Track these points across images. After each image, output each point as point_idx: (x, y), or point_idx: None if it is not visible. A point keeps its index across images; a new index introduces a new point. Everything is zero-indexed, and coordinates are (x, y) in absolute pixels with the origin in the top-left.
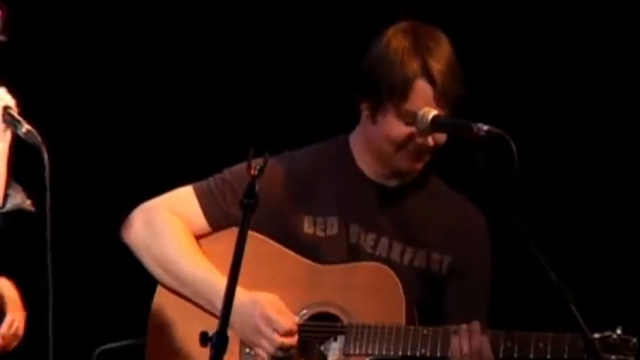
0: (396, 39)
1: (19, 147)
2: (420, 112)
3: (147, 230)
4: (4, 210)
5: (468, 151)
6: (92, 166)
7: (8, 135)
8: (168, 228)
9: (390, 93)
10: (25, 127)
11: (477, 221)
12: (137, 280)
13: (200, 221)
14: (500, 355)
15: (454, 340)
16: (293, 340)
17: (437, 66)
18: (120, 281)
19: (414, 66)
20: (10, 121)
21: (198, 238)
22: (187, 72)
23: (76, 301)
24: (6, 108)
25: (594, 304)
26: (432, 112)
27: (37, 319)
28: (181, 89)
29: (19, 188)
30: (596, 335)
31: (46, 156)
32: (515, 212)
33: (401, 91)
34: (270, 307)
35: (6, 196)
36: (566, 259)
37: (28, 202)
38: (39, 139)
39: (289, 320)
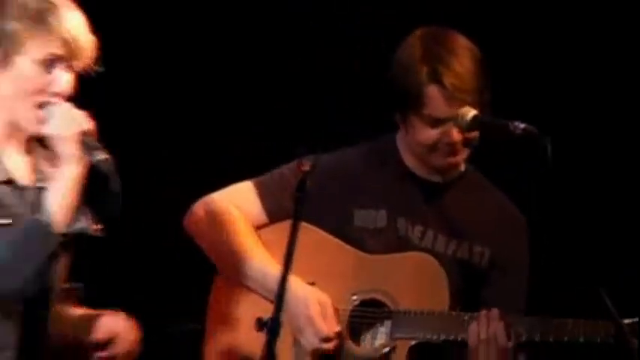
0: (409, 48)
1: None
2: (460, 112)
3: (209, 221)
4: (70, 231)
5: (504, 149)
6: (159, 162)
7: (85, 160)
8: (229, 219)
9: (408, 102)
10: (102, 155)
11: (517, 219)
12: (198, 268)
13: (258, 213)
14: (538, 339)
15: (472, 326)
16: (329, 346)
17: (446, 71)
18: (181, 269)
19: (423, 73)
20: (87, 148)
21: (257, 228)
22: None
23: (144, 291)
24: (84, 133)
25: (617, 292)
26: (472, 112)
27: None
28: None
29: (88, 213)
30: (626, 321)
31: (115, 188)
32: (549, 205)
33: (416, 99)
34: (316, 310)
35: (74, 220)
36: (593, 249)
37: (95, 227)
38: (112, 169)
39: (331, 327)
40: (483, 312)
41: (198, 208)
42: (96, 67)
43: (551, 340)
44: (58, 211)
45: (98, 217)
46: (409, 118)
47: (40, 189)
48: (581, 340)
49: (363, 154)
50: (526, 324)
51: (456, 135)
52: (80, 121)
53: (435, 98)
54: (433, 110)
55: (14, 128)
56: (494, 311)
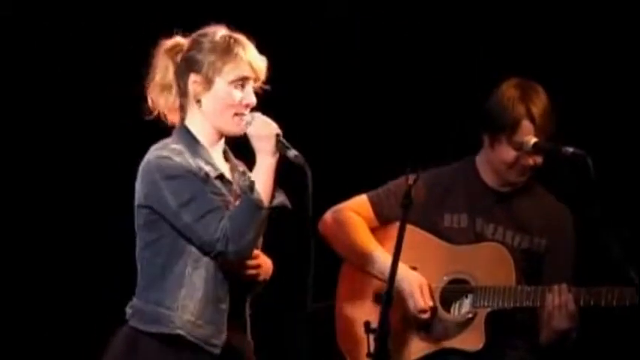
0: (508, 90)
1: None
2: (525, 139)
3: (337, 225)
4: (273, 205)
5: (557, 168)
6: None
7: (277, 155)
8: (352, 222)
9: (504, 129)
10: (293, 151)
11: (565, 214)
12: (327, 260)
13: (372, 218)
14: (581, 304)
15: (548, 296)
16: (425, 316)
17: (536, 111)
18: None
19: (520, 111)
20: (281, 147)
21: (371, 229)
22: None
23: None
24: (278, 135)
25: None
26: (533, 140)
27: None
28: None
29: (282, 192)
30: None
31: (309, 176)
32: (592, 206)
33: (511, 128)
34: (416, 289)
35: (274, 196)
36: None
37: (288, 202)
38: (303, 161)
39: (426, 302)
40: (556, 286)
41: (327, 216)
42: (265, 85)
43: (591, 304)
44: (262, 192)
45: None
46: (499, 140)
47: (244, 180)
48: (614, 304)
49: (451, 172)
50: (584, 293)
51: (530, 160)
52: (274, 125)
53: (526, 129)
54: (521, 138)
55: (219, 135)
56: (564, 285)
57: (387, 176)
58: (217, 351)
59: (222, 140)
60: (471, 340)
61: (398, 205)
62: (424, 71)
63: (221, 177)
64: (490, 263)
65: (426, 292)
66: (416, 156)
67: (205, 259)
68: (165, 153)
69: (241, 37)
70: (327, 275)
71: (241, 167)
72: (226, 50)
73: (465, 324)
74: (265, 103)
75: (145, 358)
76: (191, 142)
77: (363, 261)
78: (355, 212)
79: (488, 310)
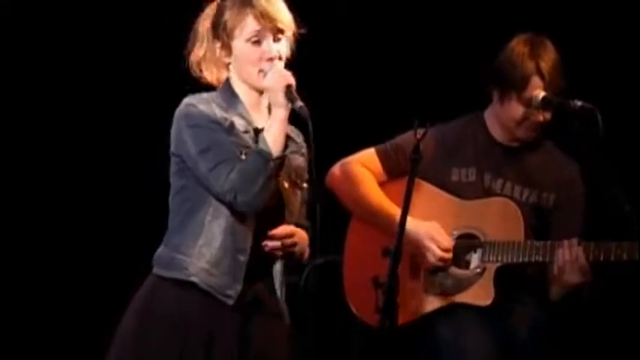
0: (518, 47)
1: None
2: (534, 94)
3: (345, 178)
4: (285, 153)
5: (566, 121)
6: None
7: (289, 106)
8: (360, 176)
9: (514, 85)
10: (299, 103)
11: (574, 170)
12: (335, 213)
13: (380, 172)
14: (590, 259)
15: (558, 251)
16: (450, 256)
17: (546, 67)
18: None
19: (530, 67)
20: (290, 98)
21: (380, 183)
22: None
23: None
24: (288, 86)
25: None
26: (542, 94)
27: None
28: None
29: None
30: None
31: (311, 129)
32: (600, 161)
33: (521, 84)
34: (434, 231)
35: (287, 147)
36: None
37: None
38: (308, 113)
39: (448, 241)
40: (565, 241)
41: (336, 169)
42: (298, 29)
43: (601, 259)
44: (271, 143)
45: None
46: (509, 96)
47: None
48: (625, 258)
49: (460, 126)
50: (593, 248)
51: (540, 116)
52: (286, 76)
53: (535, 85)
54: (531, 94)
55: (258, 92)
56: (574, 239)
57: (397, 130)
58: (231, 302)
59: (265, 98)
60: (480, 295)
61: (406, 160)
62: (434, 25)
63: (256, 131)
64: (499, 218)
65: (444, 233)
66: (424, 110)
67: (225, 210)
68: (193, 101)
69: None
70: (335, 229)
71: (293, 133)
72: (238, 11)
73: (474, 279)
74: None
75: (160, 302)
76: (229, 96)
77: (371, 215)
78: (364, 166)
79: (498, 265)
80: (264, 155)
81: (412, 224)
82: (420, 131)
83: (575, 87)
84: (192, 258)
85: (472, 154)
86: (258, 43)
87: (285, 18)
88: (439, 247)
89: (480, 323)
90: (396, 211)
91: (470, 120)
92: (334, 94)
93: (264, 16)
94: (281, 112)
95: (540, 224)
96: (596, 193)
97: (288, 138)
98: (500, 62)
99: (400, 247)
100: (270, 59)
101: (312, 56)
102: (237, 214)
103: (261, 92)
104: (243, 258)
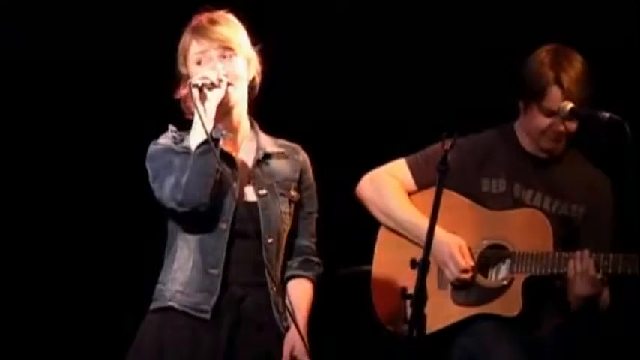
0: (539, 57)
1: None
2: (562, 105)
3: (374, 189)
4: (197, 144)
5: (594, 133)
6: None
7: (199, 103)
8: (390, 187)
9: (533, 95)
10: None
11: (604, 182)
12: (365, 224)
13: (410, 182)
14: (601, 271)
15: (570, 262)
16: (467, 276)
17: (567, 77)
18: (353, 223)
19: (549, 77)
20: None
21: (409, 194)
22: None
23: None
24: (192, 85)
25: None
26: (570, 105)
27: None
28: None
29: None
30: None
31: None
32: (629, 173)
33: (541, 94)
34: (456, 250)
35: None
36: None
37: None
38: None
39: (467, 262)
40: (577, 252)
41: (366, 180)
42: (254, 45)
43: (629, 272)
44: (192, 138)
45: None
46: (531, 106)
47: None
48: (629, 271)
49: (490, 137)
50: (611, 260)
51: (561, 127)
52: (196, 76)
53: (554, 95)
54: (551, 104)
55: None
56: (586, 251)
57: (426, 141)
58: (207, 316)
59: (235, 115)
60: (508, 306)
61: (435, 170)
62: (464, 36)
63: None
64: (528, 229)
65: (466, 252)
66: (453, 121)
67: (194, 230)
68: (158, 139)
69: (198, 18)
70: (364, 240)
71: (285, 148)
72: (186, 36)
73: (501, 289)
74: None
75: (146, 333)
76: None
77: (400, 226)
78: (393, 177)
79: (526, 275)
80: (188, 152)
81: (439, 237)
82: (448, 142)
83: (603, 98)
84: (168, 284)
85: (502, 165)
86: (199, 63)
87: (228, 37)
88: (457, 267)
89: (507, 334)
90: (424, 222)
91: (500, 131)
92: (364, 104)
93: (205, 37)
94: (196, 110)
95: (569, 236)
96: (625, 206)
97: (278, 154)
98: (522, 72)
99: (427, 259)
100: (203, 77)
101: (341, 65)
102: (204, 230)
103: (221, 111)
104: (215, 271)
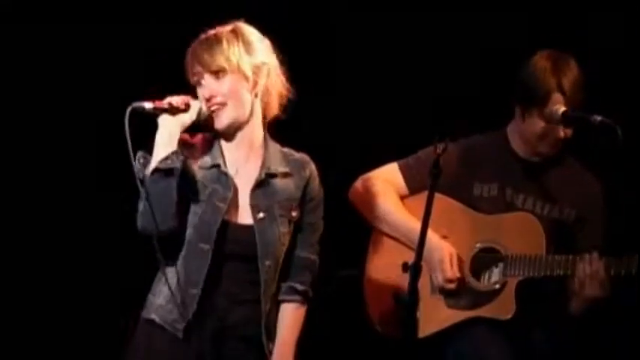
0: (540, 62)
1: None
2: (554, 109)
3: (367, 192)
4: (139, 165)
5: (586, 136)
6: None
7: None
8: (382, 191)
9: (535, 100)
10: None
11: (596, 186)
12: (357, 226)
13: (402, 186)
14: (612, 274)
15: (579, 265)
16: (451, 286)
17: (567, 83)
18: (346, 226)
19: (551, 83)
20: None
21: (401, 197)
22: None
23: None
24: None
25: None
26: (562, 109)
27: None
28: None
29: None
30: None
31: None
32: (620, 176)
33: (542, 100)
34: (446, 258)
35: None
36: None
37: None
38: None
39: (454, 272)
40: (587, 255)
41: (358, 184)
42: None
43: (633, 273)
44: (153, 160)
45: None
46: (531, 112)
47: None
48: (633, 272)
49: (482, 141)
50: (614, 262)
51: (561, 132)
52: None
53: (556, 101)
54: (552, 109)
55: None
56: (595, 254)
57: (418, 145)
58: (180, 334)
59: (241, 133)
60: (501, 309)
61: (428, 174)
62: (456, 40)
63: (217, 166)
64: (520, 232)
65: (455, 262)
66: (445, 125)
67: (179, 247)
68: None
69: (200, 38)
70: (356, 243)
71: (293, 166)
72: (186, 60)
73: (495, 293)
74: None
75: (138, 339)
76: (212, 140)
77: (392, 229)
78: (386, 180)
79: (519, 278)
80: (144, 176)
81: (431, 243)
82: (440, 146)
83: (596, 102)
84: (154, 297)
85: (494, 169)
86: (199, 84)
87: (219, 57)
88: (443, 276)
89: (500, 337)
90: (417, 226)
91: (492, 135)
92: (355, 109)
93: (197, 62)
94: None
95: (561, 239)
96: (616, 208)
97: (283, 173)
98: (522, 77)
99: (420, 263)
100: (208, 99)
101: (340, 65)
102: (188, 250)
103: (227, 130)
104: (195, 291)
